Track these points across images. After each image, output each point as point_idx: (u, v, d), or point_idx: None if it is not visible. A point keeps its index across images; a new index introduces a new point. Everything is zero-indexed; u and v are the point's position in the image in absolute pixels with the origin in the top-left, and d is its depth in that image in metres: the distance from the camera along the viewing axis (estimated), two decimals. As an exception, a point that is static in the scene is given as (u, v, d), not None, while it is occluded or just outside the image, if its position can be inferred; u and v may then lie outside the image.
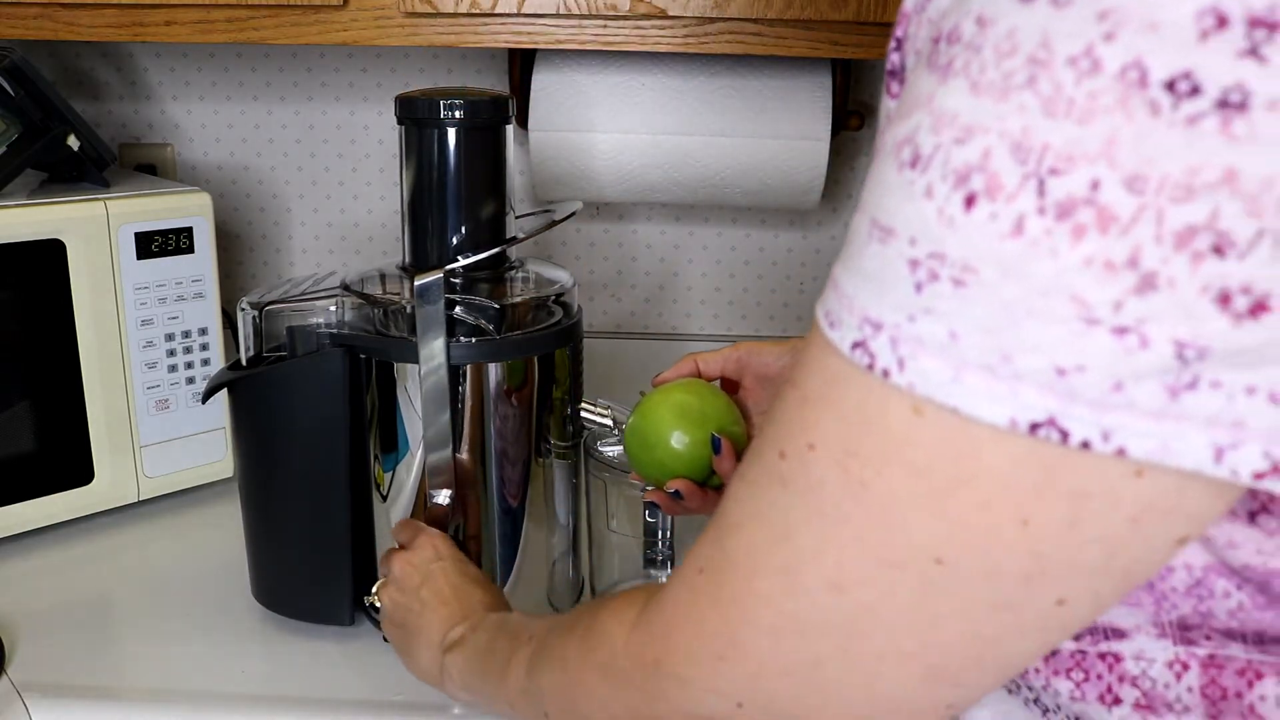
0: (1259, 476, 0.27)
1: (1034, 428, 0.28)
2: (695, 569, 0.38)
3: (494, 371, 0.72)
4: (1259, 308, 0.26)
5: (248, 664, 0.75)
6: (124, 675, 0.74)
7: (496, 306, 0.72)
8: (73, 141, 0.92)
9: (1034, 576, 0.31)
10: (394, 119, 0.77)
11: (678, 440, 0.67)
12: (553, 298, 0.76)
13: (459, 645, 0.61)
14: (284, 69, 1.18)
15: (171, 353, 0.94)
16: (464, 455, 0.72)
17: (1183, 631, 0.36)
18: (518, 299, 0.74)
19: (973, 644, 0.33)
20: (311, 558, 0.76)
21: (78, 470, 0.92)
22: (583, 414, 0.78)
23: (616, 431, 0.78)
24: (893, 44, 0.35)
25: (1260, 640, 0.35)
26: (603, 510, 0.80)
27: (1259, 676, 0.35)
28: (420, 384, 0.70)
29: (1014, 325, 0.28)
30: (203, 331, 0.96)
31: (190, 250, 0.94)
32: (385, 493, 0.74)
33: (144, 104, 1.20)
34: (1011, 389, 0.28)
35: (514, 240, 0.76)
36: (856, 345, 0.31)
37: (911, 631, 0.33)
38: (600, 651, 0.43)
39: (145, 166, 1.20)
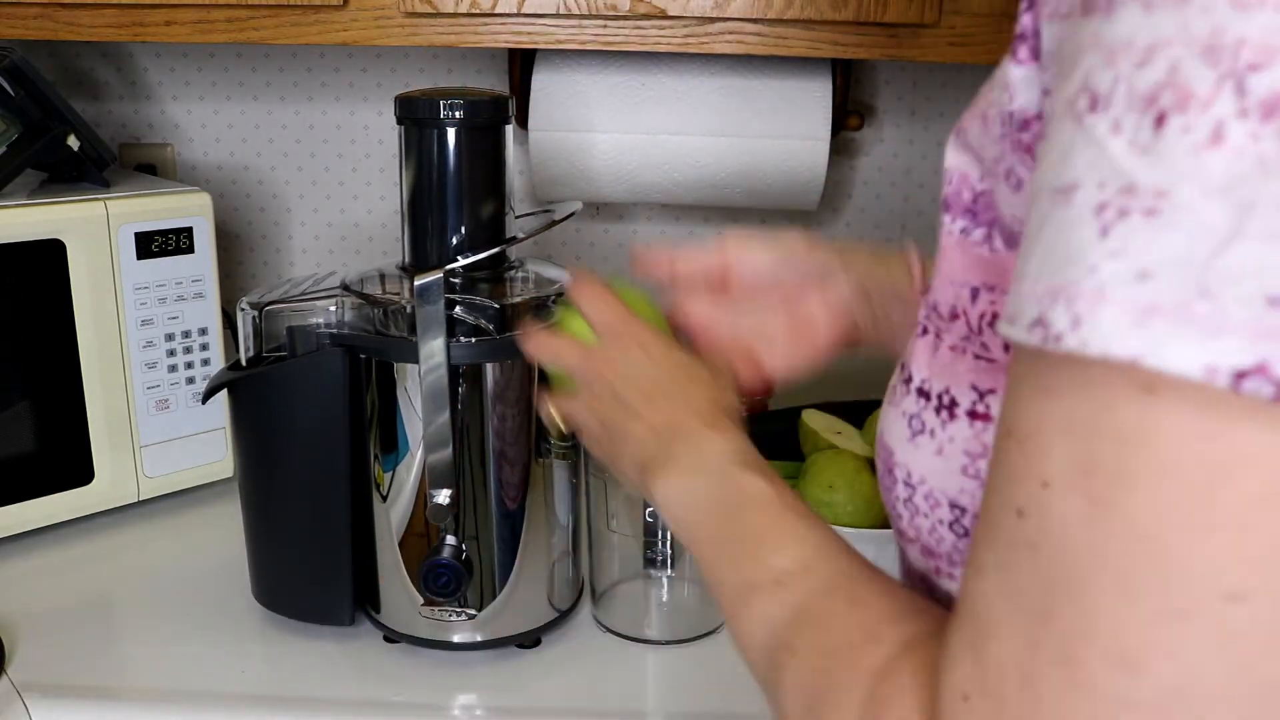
0: None
1: (1239, 377, 0.23)
2: (958, 697, 0.30)
3: (494, 371, 0.72)
4: None
5: (248, 664, 0.75)
6: (124, 675, 0.74)
7: (496, 306, 0.72)
8: (73, 141, 0.92)
9: None
10: (394, 119, 0.77)
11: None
12: (553, 298, 0.76)
13: (661, 493, 0.52)
14: (284, 69, 1.18)
15: (171, 353, 0.94)
16: (464, 455, 0.72)
17: None
18: (517, 299, 0.74)
19: (1251, 685, 0.26)
20: (311, 558, 0.76)
21: (78, 470, 0.92)
22: (583, 414, 0.78)
23: None
24: (1024, 4, 0.32)
25: None
26: (603, 510, 0.80)
27: None
28: (420, 384, 0.70)
29: (1215, 252, 0.24)
30: (203, 331, 0.96)
31: (190, 250, 0.94)
32: (385, 493, 0.74)
33: (144, 104, 1.20)
34: (1211, 329, 0.24)
35: (514, 240, 0.76)
36: (1035, 324, 0.27)
37: (1229, 704, 0.26)
38: None
39: (145, 166, 1.20)
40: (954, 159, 0.39)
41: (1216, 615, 0.25)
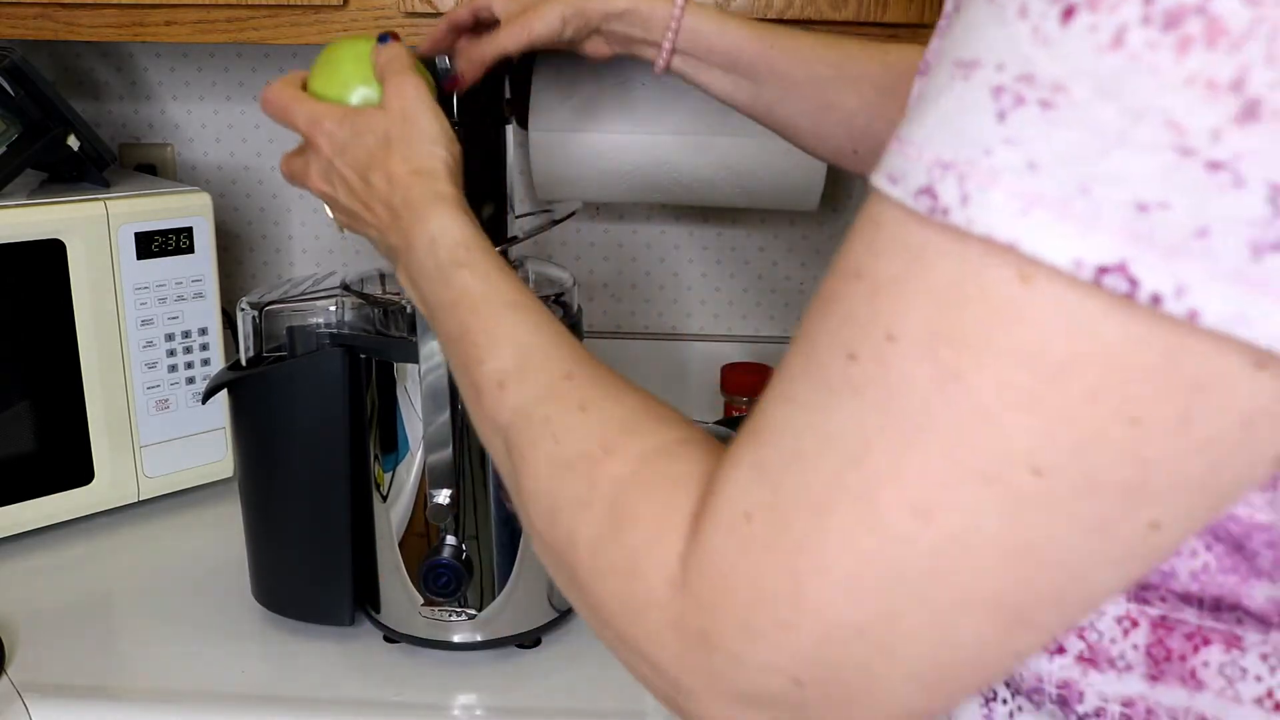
0: None
1: (1102, 272, 0.25)
2: (740, 515, 0.31)
3: (494, 371, 0.72)
4: None
5: (248, 664, 0.75)
6: (124, 675, 0.74)
7: (496, 306, 0.72)
8: (73, 141, 0.92)
9: (1134, 491, 0.27)
10: (394, 119, 0.76)
11: (359, 98, 0.60)
12: (553, 298, 0.76)
13: (404, 287, 0.54)
14: (284, 69, 1.18)
15: (171, 353, 0.94)
16: (464, 455, 0.72)
17: (1139, 590, 0.34)
18: (518, 299, 0.74)
19: (1058, 577, 0.29)
20: (311, 558, 0.76)
21: (78, 470, 0.92)
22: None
23: None
24: None
25: (1216, 607, 0.33)
26: (603, 510, 0.80)
27: (1206, 642, 0.34)
28: (420, 384, 0.70)
29: (1100, 152, 0.25)
30: (203, 331, 0.96)
31: (190, 250, 0.94)
32: (385, 493, 0.74)
33: (144, 104, 1.20)
34: (1085, 226, 0.25)
35: (514, 240, 0.76)
36: (924, 191, 0.27)
37: (998, 565, 0.28)
38: (627, 583, 0.35)
39: (145, 166, 1.20)
40: (917, 89, 0.40)
41: (1015, 485, 0.27)
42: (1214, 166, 0.24)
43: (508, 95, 0.74)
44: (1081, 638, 0.35)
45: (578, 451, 0.39)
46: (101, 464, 0.92)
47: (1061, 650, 0.36)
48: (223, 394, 0.76)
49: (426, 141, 0.55)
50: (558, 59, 1.07)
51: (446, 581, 0.73)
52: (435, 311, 0.50)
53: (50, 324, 0.88)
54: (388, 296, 0.73)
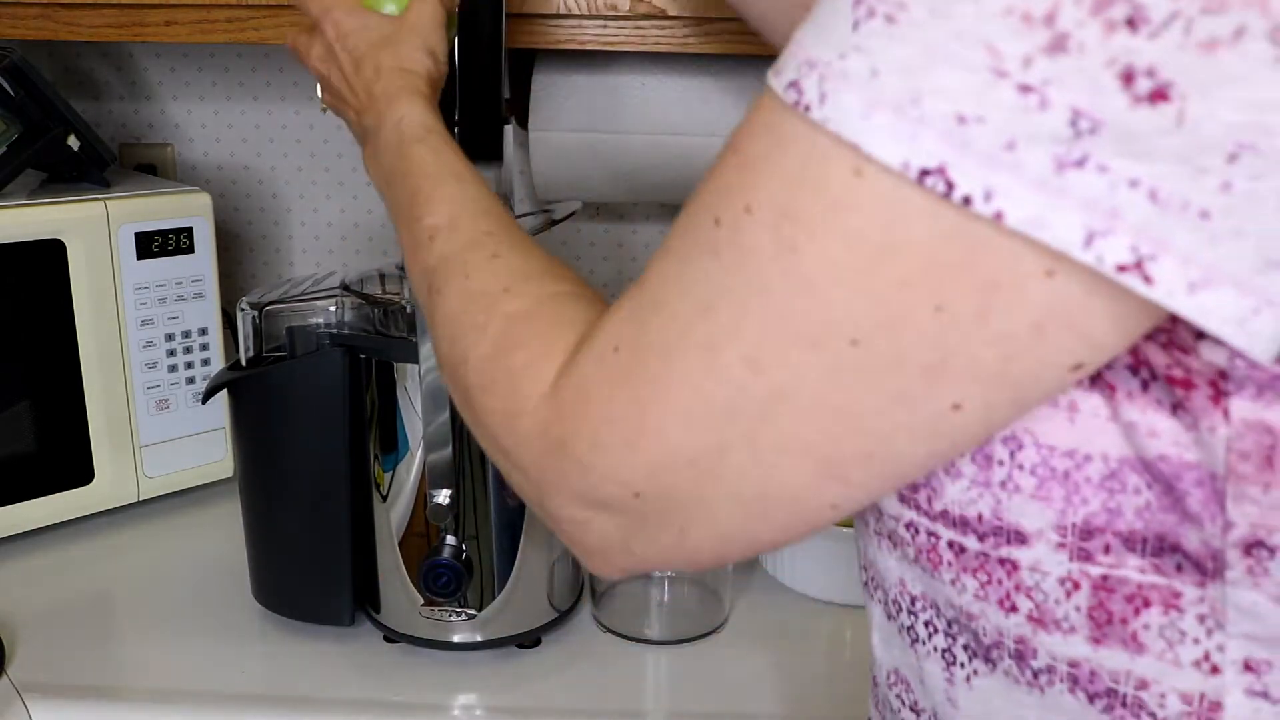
0: (1121, 269, 0.28)
1: (924, 174, 0.28)
2: (610, 347, 0.36)
3: (494, 371, 0.71)
4: (1158, 95, 0.26)
5: (248, 664, 0.75)
6: (124, 675, 0.74)
7: (496, 306, 0.72)
8: (73, 141, 0.92)
9: (936, 371, 0.31)
10: (394, 119, 0.76)
11: (389, 9, 0.64)
12: (553, 298, 0.76)
13: (367, 150, 0.59)
14: (284, 69, 1.18)
15: (171, 353, 0.94)
16: (464, 455, 0.72)
17: (1083, 541, 0.35)
18: (518, 299, 0.74)
19: (867, 439, 0.33)
20: (311, 558, 0.76)
21: (78, 470, 0.92)
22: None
23: None
24: None
25: (1159, 549, 0.34)
26: (603, 510, 0.80)
27: (1146, 604, 0.35)
28: (420, 384, 0.70)
29: (929, 67, 0.28)
30: (203, 331, 0.96)
31: (190, 250, 0.94)
32: (385, 493, 0.74)
33: (144, 104, 1.20)
34: (913, 131, 0.28)
35: (514, 240, 0.76)
36: (791, 85, 0.31)
37: (815, 419, 0.33)
38: (506, 396, 0.41)
39: (145, 166, 1.20)
40: None
41: (834, 352, 0.32)
42: (1024, 89, 0.27)
43: (507, 95, 0.74)
44: (1029, 596, 0.37)
45: (482, 288, 0.45)
46: (101, 464, 0.92)
47: (1015, 609, 0.37)
48: (222, 394, 0.76)
49: (420, 51, 0.60)
50: (558, 59, 1.07)
51: (446, 581, 0.73)
52: (390, 180, 0.55)
53: (50, 324, 0.88)
54: (387, 297, 0.73)
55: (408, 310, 0.71)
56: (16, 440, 0.88)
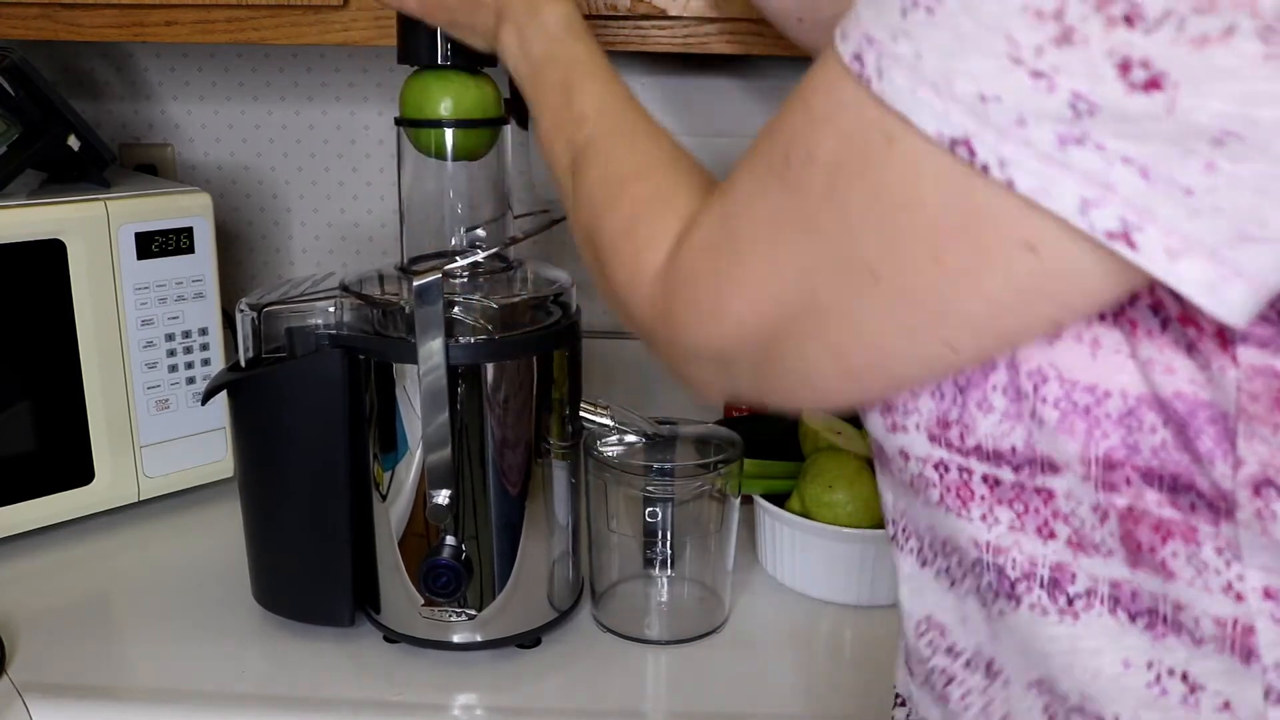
0: (1110, 235, 0.31)
1: (953, 144, 0.33)
2: (703, 242, 0.45)
3: (493, 372, 0.72)
4: (1152, 84, 0.30)
5: (248, 664, 0.76)
6: (124, 675, 0.74)
7: (495, 307, 0.72)
8: (73, 141, 0.92)
9: (935, 314, 0.37)
10: (394, 119, 0.77)
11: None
12: (552, 298, 0.76)
13: (507, 45, 0.64)
14: (284, 69, 1.18)
15: (171, 353, 0.94)
16: (463, 455, 0.72)
17: (1106, 472, 0.38)
18: (516, 299, 0.74)
19: (876, 356, 0.40)
20: (311, 558, 0.76)
21: (78, 470, 0.92)
22: (582, 414, 0.78)
23: (615, 431, 0.78)
24: None
25: (1174, 487, 0.37)
26: (603, 510, 0.80)
27: (1170, 535, 0.37)
28: (419, 384, 0.70)
29: (960, 53, 0.32)
30: (203, 331, 0.96)
31: (190, 250, 0.94)
32: (385, 493, 0.74)
33: (144, 104, 1.20)
34: (946, 108, 0.33)
35: (513, 240, 0.76)
36: (856, 57, 0.36)
37: (840, 330, 0.39)
38: (629, 267, 0.50)
39: (145, 166, 1.20)
40: None
41: (860, 280, 0.38)
42: (1036, 75, 0.31)
43: (507, 95, 0.74)
44: (1067, 523, 0.40)
45: (618, 172, 0.54)
46: (101, 464, 0.92)
47: (1053, 535, 0.40)
48: (222, 394, 0.76)
49: None
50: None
51: (446, 582, 0.73)
52: (544, 61, 0.62)
53: (50, 324, 0.88)
54: (387, 297, 0.73)
55: (407, 311, 0.71)
56: (16, 440, 0.88)
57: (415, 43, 0.71)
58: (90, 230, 0.88)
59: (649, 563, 0.81)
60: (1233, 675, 0.37)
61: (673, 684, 0.75)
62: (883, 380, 0.41)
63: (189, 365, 0.95)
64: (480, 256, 0.74)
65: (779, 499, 0.87)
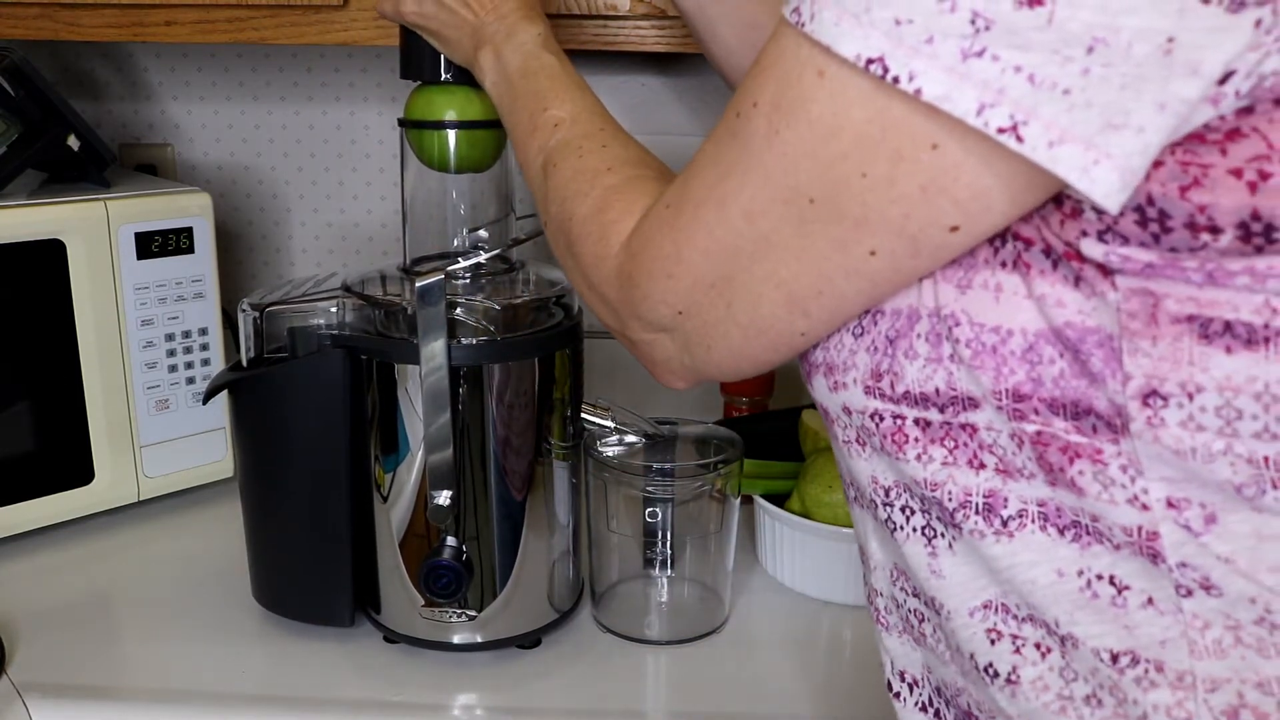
0: (1000, 131, 0.36)
1: (869, 62, 0.37)
2: (664, 204, 0.49)
3: (495, 373, 0.72)
4: (1035, 0, 0.34)
5: (248, 664, 0.76)
6: (124, 675, 0.74)
7: (497, 308, 0.72)
8: (73, 141, 0.92)
9: (860, 223, 0.41)
10: (394, 119, 0.77)
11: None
12: (554, 299, 0.76)
13: (484, 65, 0.68)
14: (284, 69, 1.18)
15: (172, 353, 0.94)
16: (464, 456, 0.72)
17: (1016, 403, 0.42)
18: (519, 300, 0.74)
19: (818, 278, 0.44)
20: (311, 558, 0.76)
21: (78, 470, 0.92)
22: (583, 415, 0.78)
23: (616, 432, 0.79)
24: None
25: (1076, 413, 0.41)
26: (603, 510, 0.80)
27: (1077, 455, 0.41)
28: (421, 385, 0.70)
29: None
30: (203, 332, 0.96)
31: (190, 250, 0.94)
32: (385, 493, 0.75)
33: (144, 104, 1.20)
34: (865, 33, 0.37)
35: (515, 242, 0.76)
36: (794, 10, 0.40)
37: (786, 260, 0.44)
38: (597, 243, 0.53)
39: (145, 166, 1.20)
40: None
41: (801, 207, 0.42)
42: None
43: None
44: (992, 452, 0.44)
45: (591, 166, 0.58)
46: (101, 464, 0.92)
47: (983, 465, 0.44)
48: (223, 394, 0.76)
49: None
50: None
51: (447, 582, 0.73)
52: (520, 75, 0.66)
53: (50, 324, 0.88)
54: (389, 298, 0.73)
55: (409, 312, 0.71)
56: (16, 440, 0.88)
57: (419, 58, 0.72)
58: (90, 230, 0.88)
59: (649, 563, 0.81)
60: (1150, 574, 0.41)
61: (673, 684, 0.75)
62: (827, 309, 0.45)
63: (189, 365, 0.95)
64: (483, 258, 0.74)
65: (779, 499, 0.87)
